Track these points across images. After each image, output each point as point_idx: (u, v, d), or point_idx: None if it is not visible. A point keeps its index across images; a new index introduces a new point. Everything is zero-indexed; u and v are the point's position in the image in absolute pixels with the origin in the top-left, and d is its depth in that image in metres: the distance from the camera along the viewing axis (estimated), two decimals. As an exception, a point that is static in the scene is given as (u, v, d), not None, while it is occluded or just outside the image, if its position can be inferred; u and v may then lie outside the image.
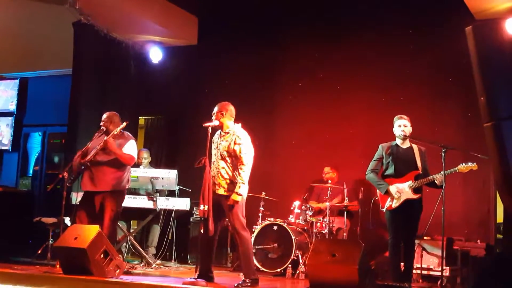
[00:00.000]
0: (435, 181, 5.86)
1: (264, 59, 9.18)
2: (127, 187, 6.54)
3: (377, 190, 6.16)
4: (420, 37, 8.19)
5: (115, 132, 6.31)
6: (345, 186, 7.62)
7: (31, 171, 10.92)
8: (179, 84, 9.69)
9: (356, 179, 8.02)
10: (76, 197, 7.44)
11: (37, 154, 10.96)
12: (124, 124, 6.40)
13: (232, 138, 5.77)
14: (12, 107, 10.95)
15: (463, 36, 7.33)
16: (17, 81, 10.98)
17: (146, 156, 8.44)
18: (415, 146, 6.15)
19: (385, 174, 6.15)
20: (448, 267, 6.62)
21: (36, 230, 8.39)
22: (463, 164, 5.85)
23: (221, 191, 5.74)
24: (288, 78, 9.08)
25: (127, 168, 6.47)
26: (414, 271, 6.41)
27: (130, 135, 6.60)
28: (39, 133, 10.95)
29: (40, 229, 8.08)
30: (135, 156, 6.50)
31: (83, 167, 6.32)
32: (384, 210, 6.07)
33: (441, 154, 5.78)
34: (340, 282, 4.70)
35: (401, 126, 6.12)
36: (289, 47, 9.07)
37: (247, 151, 5.73)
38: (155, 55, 9.44)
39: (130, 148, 6.43)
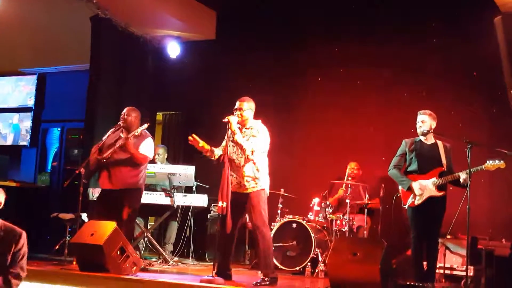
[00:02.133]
0: (460, 179, 5.68)
1: (283, 54, 9.05)
2: (144, 184, 6.49)
3: (399, 187, 6.01)
4: (443, 30, 7.99)
5: (136, 133, 6.24)
6: (365, 186, 7.47)
7: (49, 167, 10.93)
8: (197, 80, 9.59)
9: (377, 176, 7.87)
10: (93, 193, 7.44)
11: (55, 150, 10.96)
12: (146, 125, 6.33)
13: (251, 132, 5.67)
14: (30, 102, 10.98)
15: (489, 29, 7.22)
16: (35, 76, 10.99)
17: (161, 152, 8.36)
18: (439, 143, 5.97)
19: (408, 170, 5.99)
20: (472, 267, 6.42)
21: (54, 226, 8.37)
22: (490, 161, 5.64)
23: (240, 188, 5.63)
24: (307, 73, 8.93)
25: (144, 166, 6.40)
26: (437, 270, 6.24)
27: (148, 133, 6.51)
28: (58, 128, 10.95)
29: (58, 225, 8.06)
30: (150, 155, 6.42)
31: (100, 164, 6.26)
32: (406, 207, 5.91)
33: (466, 151, 5.58)
34: (361, 282, 4.57)
35: (419, 122, 5.97)
36: (309, 42, 8.90)
37: (256, 148, 5.58)
38: (173, 50, 9.34)
39: (146, 147, 6.34)
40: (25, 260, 4.29)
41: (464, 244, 6.51)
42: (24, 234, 4.27)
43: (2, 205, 4.42)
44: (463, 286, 6.22)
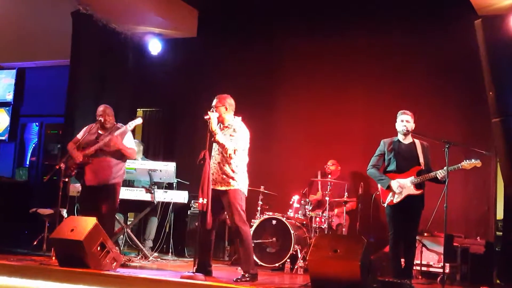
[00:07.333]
0: (437, 176, 5.79)
1: (264, 52, 9.10)
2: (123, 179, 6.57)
3: (378, 185, 6.09)
4: (420, 32, 8.10)
5: (130, 128, 6.35)
6: (344, 183, 7.55)
7: (28, 162, 10.84)
8: (178, 77, 9.59)
9: (356, 175, 7.96)
10: (73, 189, 7.39)
11: (33, 145, 10.88)
12: (140, 120, 6.48)
13: (229, 132, 5.69)
14: (9, 97, 10.85)
15: (465, 32, 7.34)
16: (14, 71, 10.87)
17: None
18: (417, 142, 6.07)
19: (387, 170, 6.07)
20: (447, 264, 6.56)
21: (32, 221, 8.31)
22: (467, 160, 5.76)
23: (219, 186, 5.66)
24: (287, 71, 8.98)
25: (125, 160, 6.44)
26: (413, 267, 6.34)
27: (123, 125, 6.53)
28: (36, 123, 10.86)
29: (36, 221, 8.00)
30: (136, 147, 6.49)
31: (83, 162, 6.28)
32: (385, 205, 5.99)
33: (444, 150, 5.70)
34: (342, 278, 4.62)
35: (404, 121, 6.03)
36: (289, 40, 8.97)
37: (237, 147, 5.62)
38: (154, 47, 9.34)
39: (129, 140, 6.40)
40: None
41: (440, 241, 6.63)
42: None
43: None
44: (439, 282, 6.34)
